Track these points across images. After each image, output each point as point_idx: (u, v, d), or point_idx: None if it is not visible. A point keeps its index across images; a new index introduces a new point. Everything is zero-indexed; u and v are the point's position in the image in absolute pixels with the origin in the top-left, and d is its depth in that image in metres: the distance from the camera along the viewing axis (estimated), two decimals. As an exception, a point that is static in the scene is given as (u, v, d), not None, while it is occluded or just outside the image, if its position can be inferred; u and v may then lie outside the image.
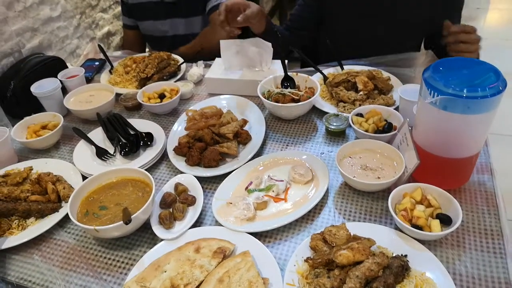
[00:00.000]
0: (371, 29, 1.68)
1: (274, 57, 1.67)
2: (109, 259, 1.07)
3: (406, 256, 0.93)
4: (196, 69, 1.81)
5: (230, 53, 1.67)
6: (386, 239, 0.99)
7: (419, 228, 0.98)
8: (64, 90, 1.70)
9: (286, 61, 1.59)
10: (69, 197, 1.12)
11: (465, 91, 0.92)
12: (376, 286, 0.84)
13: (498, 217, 1.05)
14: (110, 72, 1.89)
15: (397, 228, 1.03)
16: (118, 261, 1.06)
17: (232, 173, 1.25)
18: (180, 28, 2.12)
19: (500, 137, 2.82)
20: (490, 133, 1.12)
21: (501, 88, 0.92)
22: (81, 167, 1.32)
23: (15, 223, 1.15)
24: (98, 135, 1.47)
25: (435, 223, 0.98)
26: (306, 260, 0.95)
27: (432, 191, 1.05)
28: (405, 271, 0.90)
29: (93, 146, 1.41)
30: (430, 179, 1.07)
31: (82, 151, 1.41)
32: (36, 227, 1.14)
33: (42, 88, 1.61)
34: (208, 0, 2.02)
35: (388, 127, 1.29)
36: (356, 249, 0.90)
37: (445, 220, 0.99)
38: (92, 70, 1.95)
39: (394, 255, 0.94)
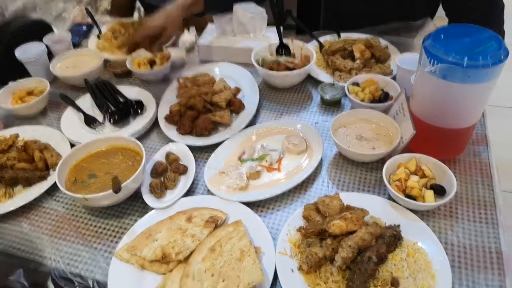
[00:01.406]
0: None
1: (269, 24, 1.61)
2: (100, 227, 1.06)
3: (399, 226, 0.93)
4: (188, 35, 1.75)
5: (224, 19, 1.61)
6: (379, 209, 0.98)
7: (413, 198, 0.97)
8: (50, 55, 1.63)
9: (282, 27, 1.53)
10: (57, 165, 1.09)
11: (465, 59, 0.89)
12: (368, 255, 0.84)
13: (492, 188, 1.05)
14: (98, 37, 1.81)
15: (390, 198, 1.02)
16: (108, 229, 1.05)
17: (225, 142, 1.23)
18: None
19: (496, 109, 2.81)
20: (487, 104, 1.10)
21: (502, 57, 0.90)
22: (70, 135, 1.29)
23: (2, 191, 1.12)
24: (86, 102, 1.43)
25: (429, 194, 0.97)
26: (298, 230, 0.95)
27: (427, 162, 1.04)
28: (397, 240, 0.90)
29: (81, 114, 1.37)
30: (426, 149, 1.05)
31: (70, 118, 1.36)
32: (23, 195, 1.12)
33: (27, 53, 1.54)
34: None
35: (384, 97, 1.27)
36: (349, 219, 0.89)
37: (439, 191, 0.98)
38: (79, 35, 1.87)
39: (387, 225, 0.94)
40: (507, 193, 1.14)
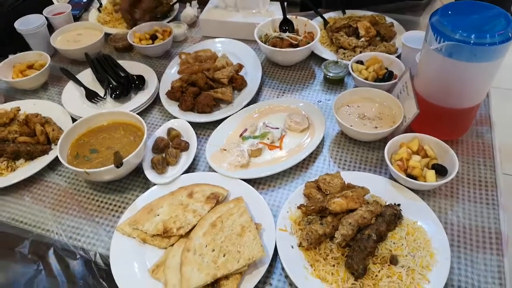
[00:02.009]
0: None
1: (273, -1, 1.58)
2: (102, 202, 1.07)
3: (399, 205, 0.94)
4: (190, 10, 1.71)
5: (226, -7, 1.58)
6: (380, 188, 0.98)
7: (414, 178, 0.97)
8: (50, 28, 1.61)
9: (285, 3, 1.50)
10: (59, 139, 1.09)
11: (473, 37, 0.87)
12: (368, 233, 0.85)
13: (494, 169, 1.05)
14: (99, 10, 1.79)
15: (391, 177, 1.02)
16: (110, 204, 1.06)
17: (227, 119, 1.22)
18: None
19: (502, 91, 2.79)
20: (492, 86, 1.09)
21: (510, 35, 0.88)
22: (71, 109, 1.28)
23: (4, 164, 1.13)
24: (87, 76, 1.41)
25: (430, 174, 0.97)
26: (299, 207, 0.95)
27: (430, 142, 1.03)
28: (397, 219, 0.91)
29: (82, 88, 1.36)
30: (429, 129, 1.05)
31: (71, 92, 1.35)
32: (25, 169, 1.12)
33: (26, 24, 1.51)
34: None
35: (388, 76, 1.25)
36: (350, 197, 0.90)
37: (441, 171, 0.98)
38: (80, 7, 1.84)
39: (387, 203, 0.94)
40: (507, 176, 1.14)
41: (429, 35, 0.95)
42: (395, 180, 1.00)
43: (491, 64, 0.92)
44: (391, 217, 0.89)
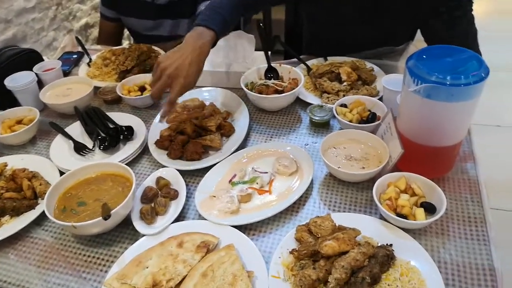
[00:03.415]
0: (356, 32, 1.63)
1: (257, 49, 1.64)
2: (89, 256, 1.04)
3: (391, 245, 0.93)
4: (177, 62, 1.77)
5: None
6: (371, 229, 0.98)
7: (404, 217, 0.97)
8: (40, 84, 1.64)
9: (269, 52, 1.57)
10: (46, 193, 1.07)
11: (448, 78, 0.91)
12: (362, 275, 0.84)
13: (481, 204, 1.05)
14: (89, 65, 1.83)
15: (382, 217, 1.02)
16: (98, 258, 1.03)
17: (216, 166, 1.23)
18: (167, 29, 2.06)
19: (482, 127, 2.87)
20: (473, 123, 1.12)
21: (483, 75, 0.92)
22: (59, 162, 1.28)
23: (-11, 221, 1.11)
24: (76, 129, 1.42)
25: (420, 212, 0.98)
26: (291, 252, 0.94)
27: (416, 180, 1.04)
28: (390, 260, 0.90)
29: (71, 141, 1.37)
30: (414, 168, 1.06)
31: (60, 146, 1.36)
32: (11, 226, 1.10)
33: (16, 81, 1.54)
34: (198, 3, 1.96)
35: (372, 117, 1.29)
36: (342, 239, 0.89)
37: (430, 209, 0.99)
38: (70, 63, 1.89)
39: (379, 244, 0.94)
40: (495, 211, 1.15)
41: (407, 78, 0.99)
42: (386, 220, 1.01)
43: (468, 103, 0.95)
44: (384, 258, 0.88)
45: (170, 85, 1.20)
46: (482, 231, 0.99)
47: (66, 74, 1.81)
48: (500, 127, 2.97)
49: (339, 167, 1.11)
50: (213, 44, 1.31)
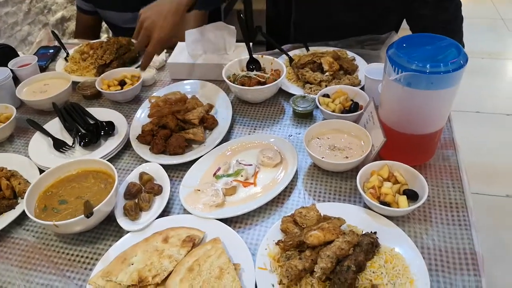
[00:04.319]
0: (342, 19, 1.63)
1: (238, 40, 1.63)
2: (72, 255, 1.02)
3: (375, 233, 0.94)
4: (157, 55, 1.74)
5: (193, 38, 1.61)
6: (355, 218, 0.99)
7: (387, 204, 0.98)
8: (16, 80, 1.59)
9: (251, 43, 1.55)
10: (25, 192, 1.05)
11: (428, 66, 0.92)
12: (347, 264, 0.84)
13: (462, 190, 1.07)
14: (66, 59, 1.79)
15: (366, 206, 1.03)
16: (82, 256, 1.01)
17: (199, 159, 1.22)
18: None
19: (462, 114, 2.93)
20: (453, 110, 1.14)
21: (462, 63, 0.93)
22: (38, 160, 1.25)
23: (-33, 223, 1.07)
24: (55, 126, 1.39)
25: (402, 199, 0.99)
26: (277, 243, 0.94)
27: (399, 168, 1.06)
28: (375, 247, 0.91)
29: (50, 138, 1.33)
30: (397, 156, 1.08)
31: (38, 143, 1.32)
32: (-10, 226, 1.07)
33: (-10, 78, 1.50)
34: None
35: (354, 107, 1.29)
36: (327, 229, 0.90)
37: (412, 196, 1.00)
38: (46, 58, 1.84)
39: (364, 232, 0.95)
40: (475, 195, 1.17)
41: (388, 66, 1.00)
42: (369, 208, 1.02)
43: (447, 91, 0.97)
44: (368, 246, 0.89)
45: (149, 37, 1.31)
46: (464, 216, 1.01)
47: (42, 69, 1.76)
48: (480, 113, 3.03)
49: (323, 157, 1.12)
50: (191, 8, 1.38)
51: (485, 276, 0.88)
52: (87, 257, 1.01)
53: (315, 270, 0.84)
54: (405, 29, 1.67)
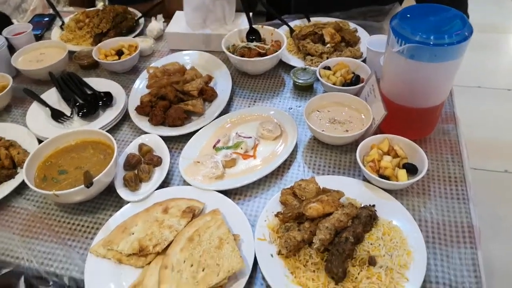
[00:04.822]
0: None
1: (238, 10, 1.59)
2: (73, 224, 1.03)
3: (374, 206, 0.95)
4: (155, 24, 1.70)
5: (192, 7, 1.57)
6: (354, 191, 0.99)
7: (386, 178, 0.99)
8: (11, 49, 1.56)
9: (251, 13, 1.52)
10: (25, 162, 1.05)
11: (432, 38, 0.90)
12: (345, 236, 0.85)
13: (462, 164, 1.08)
14: (62, 28, 1.74)
15: (365, 179, 1.04)
16: (83, 225, 1.02)
17: (199, 131, 1.21)
18: None
19: (463, 89, 2.90)
20: (455, 84, 1.13)
21: (467, 35, 0.91)
22: (36, 130, 1.24)
23: (-33, 192, 1.08)
24: (52, 96, 1.37)
25: (402, 173, 0.99)
26: (276, 215, 0.95)
27: (399, 142, 1.05)
28: (373, 220, 0.92)
29: (47, 108, 1.32)
30: (397, 129, 1.07)
31: (36, 113, 1.31)
32: (-10, 196, 1.07)
33: (-16, 46, 1.47)
34: None
35: (355, 80, 1.28)
36: (326, 202, 0.90)
37: (411, 169, 1.01)
38: (41, 26, 1.80)
39: (362, 205, 0.96)
40: (474, 170, 1.18)
41: (391, 38, 0.98)
42: (369, 182, 1.02)
43: (451, 63, 0.95)
44: (367, 218, 0.90)
45: None
46: (462, 190, 1.02)
47: (38, 38, 1.72)
48: (481, 88, 3.00)
49: (323, 131, 1.11)
50: None
51: (481, 249, 0.90)
52: (88, 227, 1.02)
53: (313, 241, 0.86)
54: (410, 2, 1.63)
